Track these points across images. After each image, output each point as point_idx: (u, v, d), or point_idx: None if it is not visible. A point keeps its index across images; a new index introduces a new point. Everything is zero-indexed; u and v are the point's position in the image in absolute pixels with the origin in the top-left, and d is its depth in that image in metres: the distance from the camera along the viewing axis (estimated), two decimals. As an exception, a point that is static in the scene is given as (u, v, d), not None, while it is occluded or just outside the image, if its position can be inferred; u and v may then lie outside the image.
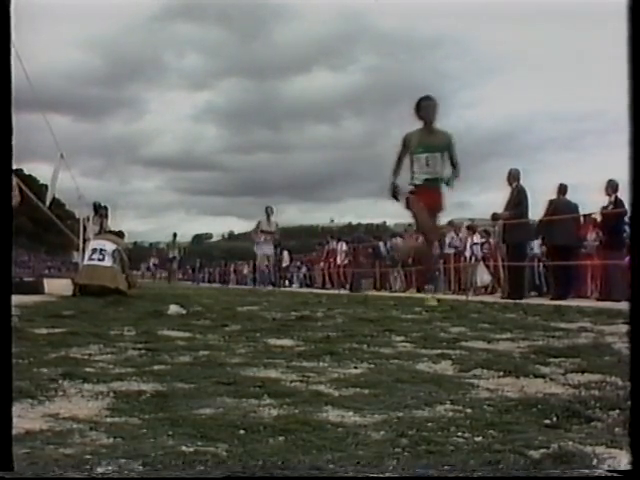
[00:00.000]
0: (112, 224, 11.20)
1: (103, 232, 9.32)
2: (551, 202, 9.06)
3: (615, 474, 1.01)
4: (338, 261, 17.93)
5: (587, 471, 1.02)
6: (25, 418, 1.35)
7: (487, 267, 11.71)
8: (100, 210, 11.16)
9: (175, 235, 22.94)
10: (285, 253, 25.47)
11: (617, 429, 1.28)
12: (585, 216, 9.89)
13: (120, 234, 8.85)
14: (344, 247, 17.84)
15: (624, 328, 3.32)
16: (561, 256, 8.85)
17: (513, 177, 8.89)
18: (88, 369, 1.99)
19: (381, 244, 16.51)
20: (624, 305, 4.60)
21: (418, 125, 5.98)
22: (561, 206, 8.98)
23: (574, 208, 9.19)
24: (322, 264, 19.96)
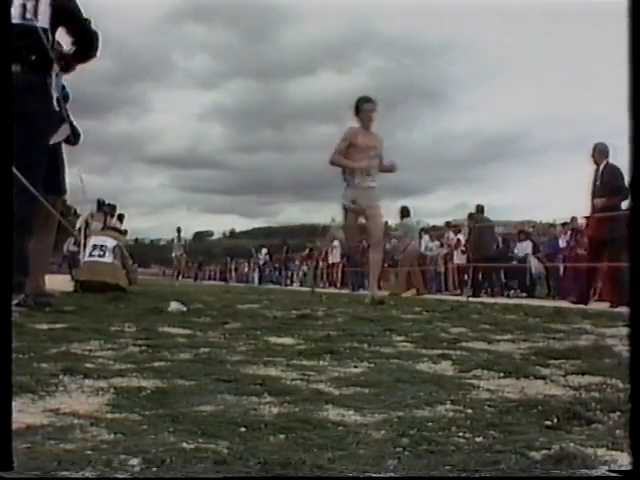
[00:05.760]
0: (119, 225, 11.15)
1: (106, 228, 9.30)
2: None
3: (615, 474, 1.01)
4: (337, 260, 17.92)
5: (587, 471, 1.02)
6: (26, 413, 1.34)
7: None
8: (104, 207, 11.11)
9: (179, 230, 22.09)
10: (263, 250, 25.45)
11: (618, 431, 1.28)
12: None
13: (121, 230, 8.86)
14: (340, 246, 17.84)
15: (624, 330, 3.32)
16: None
17: (600, 153, 6.92)
18: (89, 365, 1.99)
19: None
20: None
21: None
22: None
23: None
24: (320, 263, 19.93)
